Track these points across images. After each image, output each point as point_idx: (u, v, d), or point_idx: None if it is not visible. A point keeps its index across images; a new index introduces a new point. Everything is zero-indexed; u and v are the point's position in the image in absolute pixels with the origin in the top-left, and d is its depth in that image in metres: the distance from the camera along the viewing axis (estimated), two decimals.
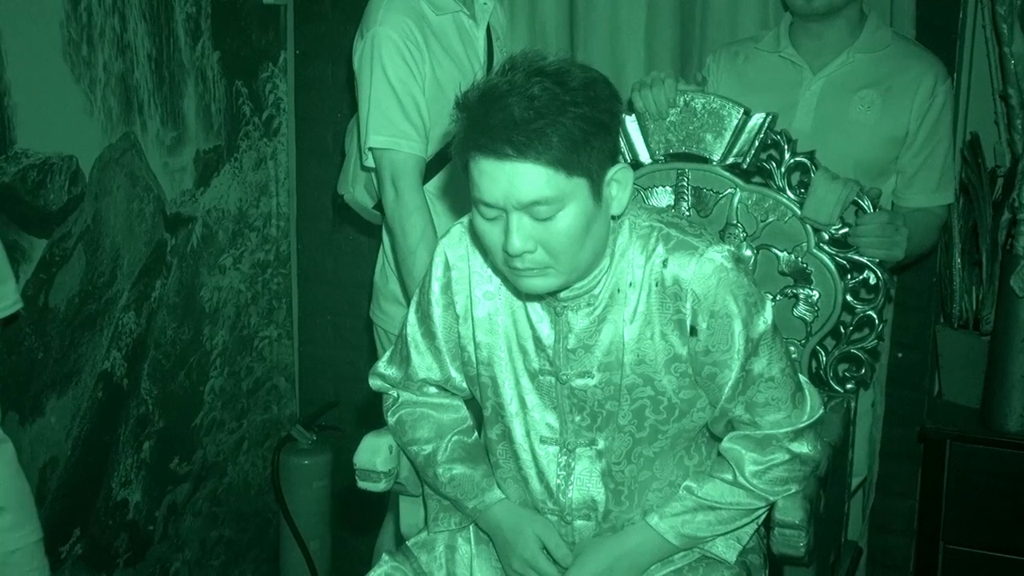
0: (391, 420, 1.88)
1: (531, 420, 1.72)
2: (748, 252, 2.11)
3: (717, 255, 1.59)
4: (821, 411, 1.70)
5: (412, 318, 1.82)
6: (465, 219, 1.73)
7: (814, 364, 2.12)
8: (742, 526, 1.72)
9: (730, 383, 1.61)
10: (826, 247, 2.07)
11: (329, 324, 3.51)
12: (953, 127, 2.37)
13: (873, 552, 2.67)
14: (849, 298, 2.07)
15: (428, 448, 1.83)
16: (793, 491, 1.69)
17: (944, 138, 2.29)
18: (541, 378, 1.70)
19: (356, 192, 2.48)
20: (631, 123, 2.16)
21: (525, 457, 1.74)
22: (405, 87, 2.21)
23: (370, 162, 2.26)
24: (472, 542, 1.86)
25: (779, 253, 2.09)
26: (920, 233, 2.23)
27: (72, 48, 2.51)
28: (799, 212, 2.06)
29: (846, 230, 2.05)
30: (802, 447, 1.67)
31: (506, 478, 1.80)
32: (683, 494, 1.70)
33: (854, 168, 2.28)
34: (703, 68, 2.51)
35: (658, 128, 2.15)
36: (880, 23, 2.35)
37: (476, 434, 1.89)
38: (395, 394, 1.89)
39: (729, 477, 1.68)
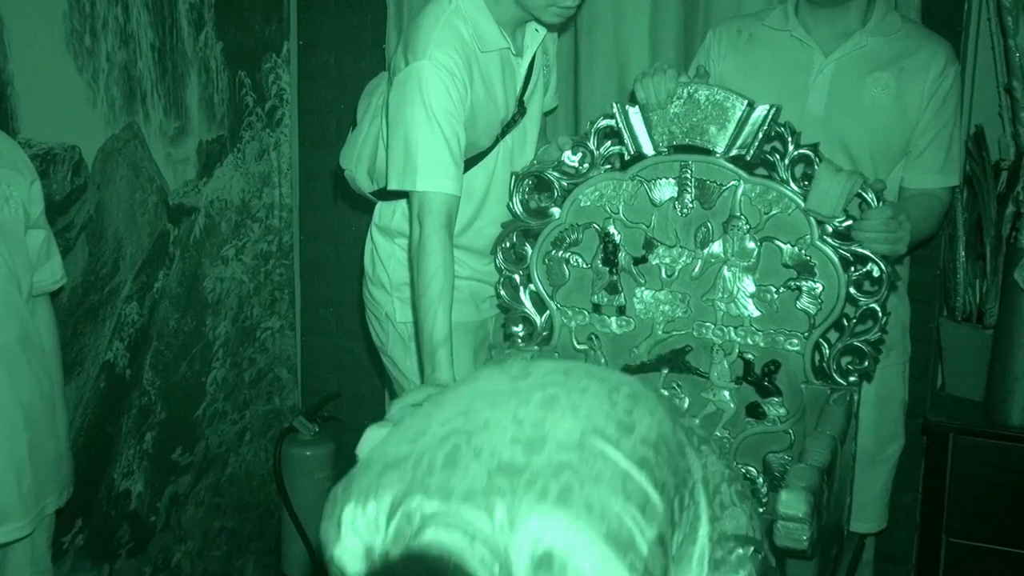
0: None
1: None
2: (751, 244, 2.11)
3: None
4: None
5: None
6: None
7: (817, 357, 2.11)
8: None
9: None
10: (830, 240, 2.06)
11: (331, 315, 3.51)
12: (960, 113, 2.36)
13: (876, 544, 2.67)
14: (853, 291, 2.07)
15: None
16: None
17: (951, 119, 2.29)
18: None
19: (358, 174, 2.47)
20: (635, 114, 2.16)
21: None
22: (451, 125, 2.16)
23: (392, 185, 2.23)
24: None
25: (783, 246, 2.09)
26: (923, 218, 2.23)
27: (75, 38, 2.50)
28: (803, 204, 2.06)
29: (850, 223, 2.04)
30: None
31: None
32: None
33: (871, 152, 2.28)
34: (703, 44, 2.50)
35: (662, 120, 2.14)
36: (889, 7, 2.35)
37: None
38: None
39: None
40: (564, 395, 1.46)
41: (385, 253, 2.42)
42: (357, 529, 1.41)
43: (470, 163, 2.28)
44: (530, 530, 1.30)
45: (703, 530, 1.57)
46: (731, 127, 2.09)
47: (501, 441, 1.40)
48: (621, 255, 2.21)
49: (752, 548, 1.69)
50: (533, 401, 1.45)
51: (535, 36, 2.33)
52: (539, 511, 1.31)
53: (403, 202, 2.35)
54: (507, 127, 2.35)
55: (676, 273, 2.17)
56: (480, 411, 1.45)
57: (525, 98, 2.36)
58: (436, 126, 2.14)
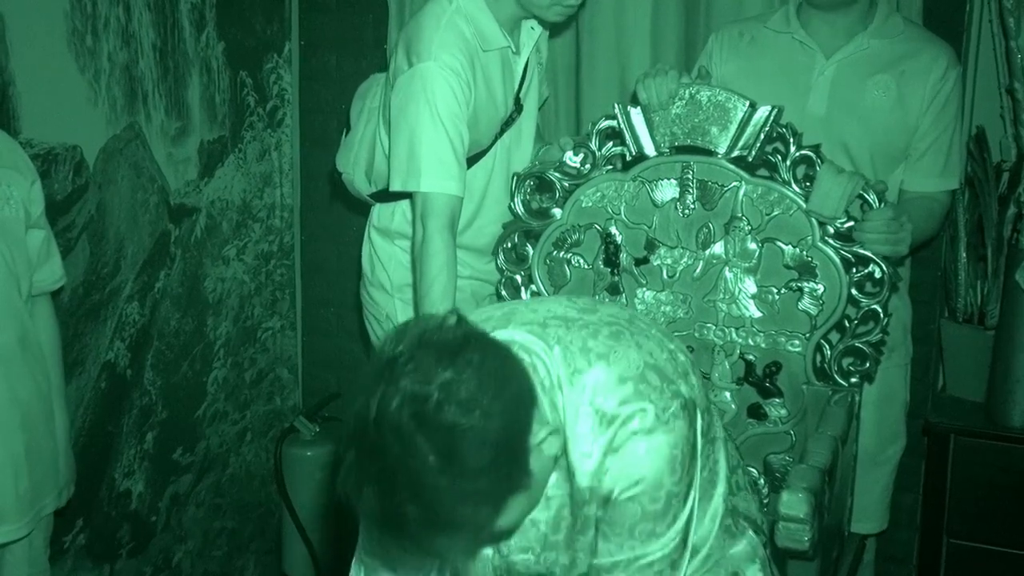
0: None
1: None
2: (753, 245, 2.11)
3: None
4: None
5: None
6: None
7: (818, 358, 2.12)
8: None
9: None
10: (831, 240, 2.06)
11: (332, 315, 3.51)
12: (960, 117, 2.36)
13: (876, 544, 2.67)
14: (854, 292, 2.07)
15: None
16: None
17: (951, 123, 2.29)
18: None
19: (355, 176, 2.47)
20: (636, 115, 2.16)
21: None
22: (455, 127, 2.17)
23: (396, 186, 2.23)
24: None
25: (784, 247, 2.09)
26: (923, 220, 2.23)
27: (76, 38, 2.50)
28: (804, 206, 2.06)
29: (851, 224, 2.04)
30: None
31: None
32: None
33: (870, 154, 2.28)
34: (705, 48, 2.50)
35: (663, 121, 2.14)
36: (891, 10, 2.35)
37: None
38: None
39: None
40: (628, 335, 1.53)
41: (385, 255, 2.42)
42: None
43: (470, 162, 2.29)
44: (581, 360, 1.44)
45: (720, 487, 1.60)
46: (733, 128, 2.09)
47: (557, 309, 1.54)
48: (622, 256, 2.21)
49: (764, 538, 1.71)
50: (602, 334, 1.52)
51: (531, 34, 2.34)
52: (591, 344, 1.46)
53: (403, 203, 2.35)
54: (505, 125, 2.35)
55: (677, 274, 2.18)
56: (555, 328, 1.53)
57: (521, 95, 2.37)
58: (441, 127, 2.15)
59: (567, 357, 1.45)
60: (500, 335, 1.42)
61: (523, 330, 1.48)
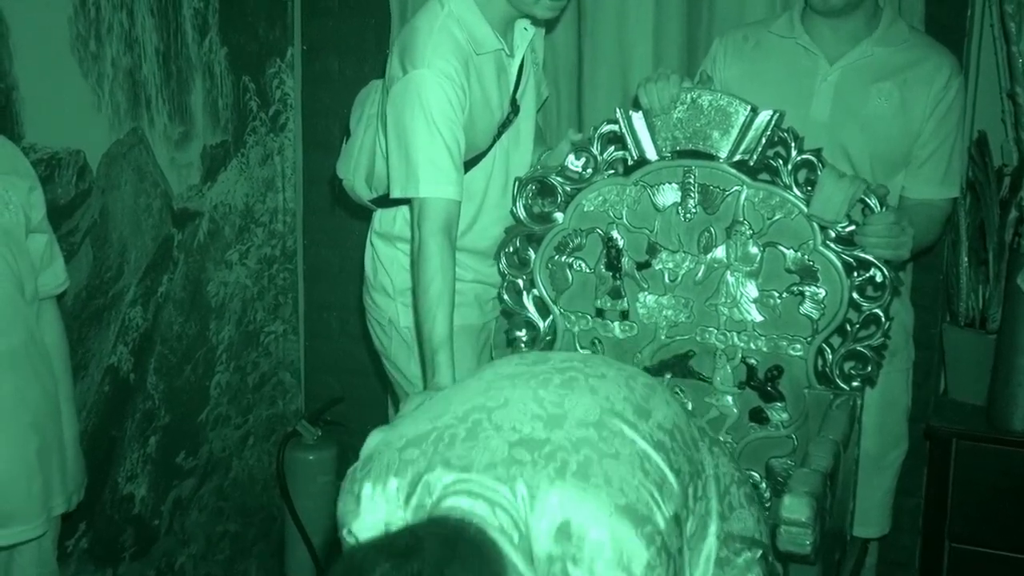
0: None
1: None
2: (755, 249, 2.11)
3: None
4: None
5: None
6: None
7: (820, 362, 2.12)
8: None
9: None
10: (833, 245, 2.06)
11: (335, 319, 3.52)
12: (962, 125, 2.37)
13: (878, 548, 2.67)
14: (855, 296, 2.07)
15: None
16: None
17: (953, 131, 2.29)
18: None
19: (356, 182, 2.48)
20: (638, 120, 2.16)
21: None
22: (451, 132, 2.18)
23: (396, 193, 2.24)
24: None
25: (786, 251, 2.09)
26: (924, 226, 2.23)
27: (80, 43, 2.51)
28: (806, 210, 2.06)
29: (853, 228, 2.05)
30: None
31: None
32: None
33: (871, 160, 2.28)
34: (709, 52, 2.50)
35: (665, 125, 2.15)
36: (895, 16, 2.35)
37: None
38: None
39: None
40: (583, 378, 1.51)
41: (387, 259, 2.43)
42: (376, 505, 1.44)
43: (468, 165, 2.30)
44: (550, 503, 1.34)
45: (713, 527, 1.59)
46: (734, 132, 2.09)
47: (522, 417, 1.45)
48: (624, 260, 2.21)
49: (760, 552, 1.70)
50: (553, 382, 1.49)
51: (524, 35, 2.35)
52: (559, 485, 1.35)
53: (403, 208, 2.36)
54: (502, 127, 2.36)
55: (679, 278, 2.18)
56: (501, 391, 1.49)
57: (518, 97, 2.37)
58: (436, 133, 2.16)
59: (533, 489, 1.36)
60: (461, 503, 1.35)
61: (488, 477, 1.38)
